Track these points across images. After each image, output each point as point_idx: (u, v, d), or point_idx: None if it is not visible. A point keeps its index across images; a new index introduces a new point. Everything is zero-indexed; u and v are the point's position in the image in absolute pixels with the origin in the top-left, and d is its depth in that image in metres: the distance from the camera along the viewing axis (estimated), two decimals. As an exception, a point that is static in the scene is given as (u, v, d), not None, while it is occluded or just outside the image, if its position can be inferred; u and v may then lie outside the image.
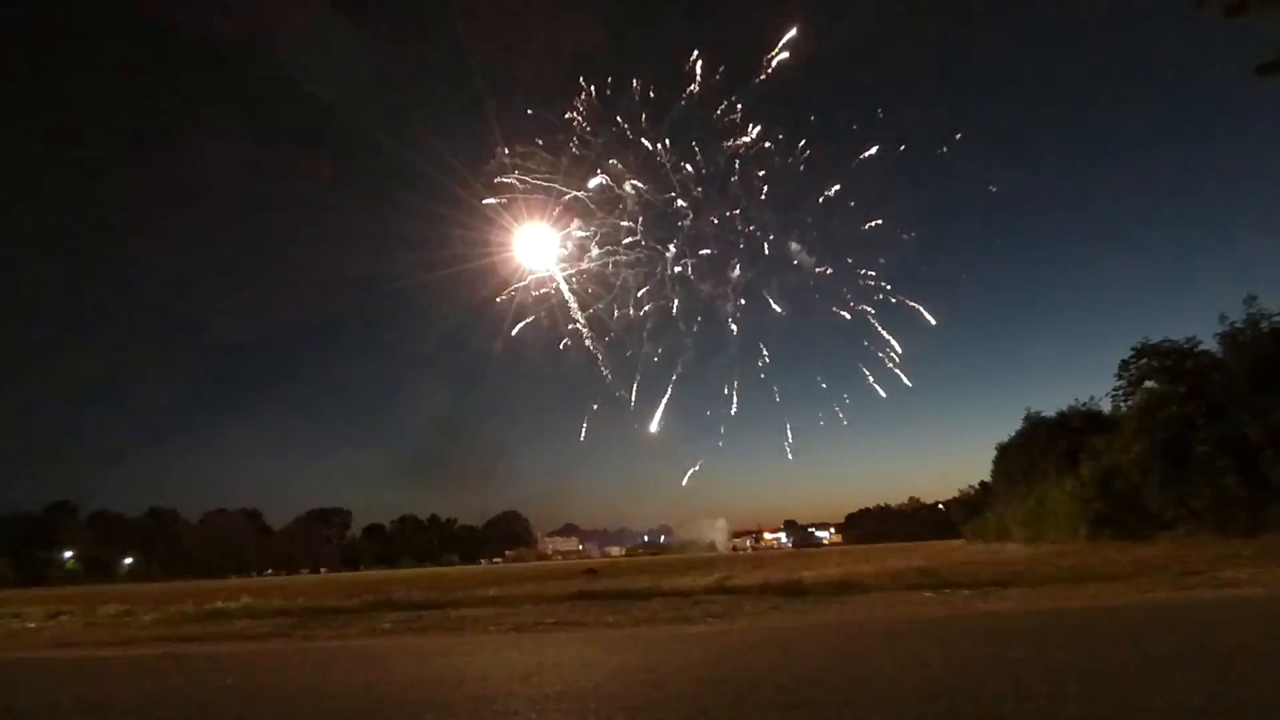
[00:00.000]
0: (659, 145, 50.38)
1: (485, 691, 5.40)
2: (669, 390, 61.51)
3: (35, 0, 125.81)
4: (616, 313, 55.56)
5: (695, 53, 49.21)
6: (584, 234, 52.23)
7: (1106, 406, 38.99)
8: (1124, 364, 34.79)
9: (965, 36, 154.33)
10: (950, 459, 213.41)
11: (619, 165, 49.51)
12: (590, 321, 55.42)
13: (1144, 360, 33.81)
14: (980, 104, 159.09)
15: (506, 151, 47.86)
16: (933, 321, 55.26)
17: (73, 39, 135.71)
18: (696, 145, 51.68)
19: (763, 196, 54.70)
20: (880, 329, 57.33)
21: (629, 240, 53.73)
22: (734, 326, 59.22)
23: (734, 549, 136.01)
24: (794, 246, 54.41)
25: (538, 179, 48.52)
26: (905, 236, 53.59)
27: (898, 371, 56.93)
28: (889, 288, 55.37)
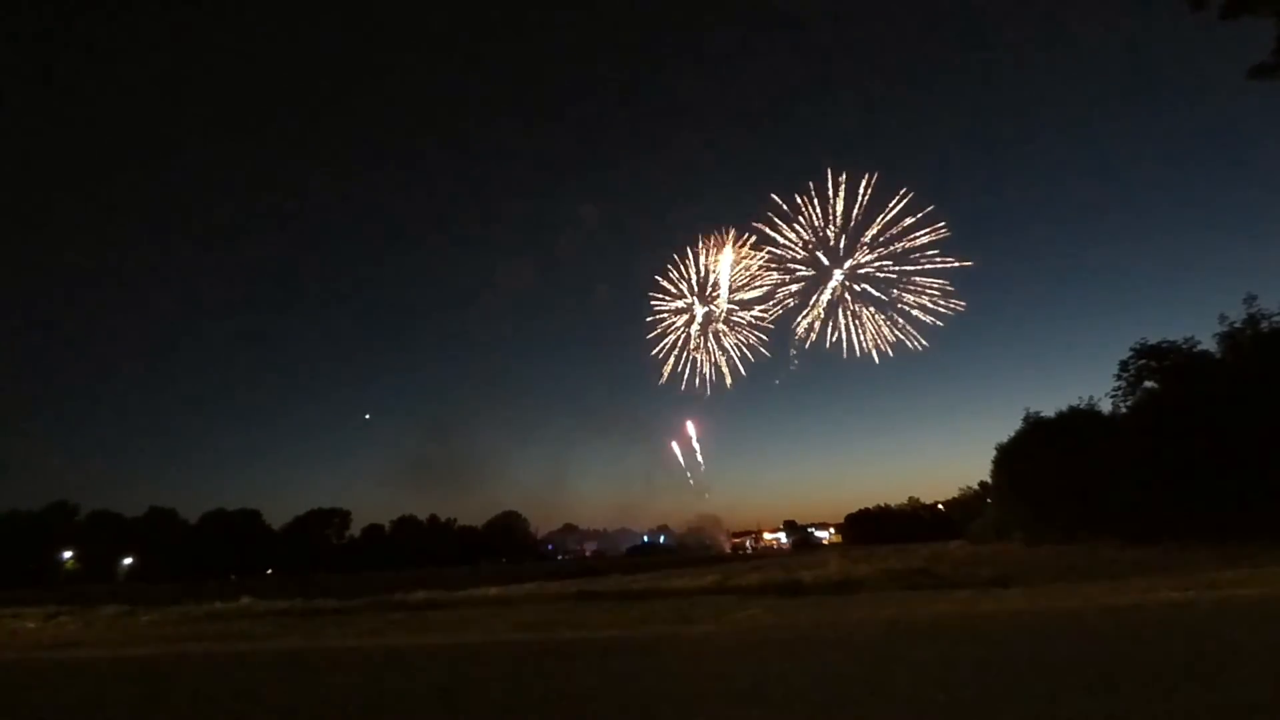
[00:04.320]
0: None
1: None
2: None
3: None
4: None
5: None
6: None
7: (1106, 407, 38.98)
8: (1123, 364, 34.78)
9: (975, 43, 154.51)
10: (950, 459, 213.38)
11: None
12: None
13: (1143, 361, 33.80)
14: (979, 105, 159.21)
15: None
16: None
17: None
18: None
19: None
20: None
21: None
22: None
23: (734, 549, 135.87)
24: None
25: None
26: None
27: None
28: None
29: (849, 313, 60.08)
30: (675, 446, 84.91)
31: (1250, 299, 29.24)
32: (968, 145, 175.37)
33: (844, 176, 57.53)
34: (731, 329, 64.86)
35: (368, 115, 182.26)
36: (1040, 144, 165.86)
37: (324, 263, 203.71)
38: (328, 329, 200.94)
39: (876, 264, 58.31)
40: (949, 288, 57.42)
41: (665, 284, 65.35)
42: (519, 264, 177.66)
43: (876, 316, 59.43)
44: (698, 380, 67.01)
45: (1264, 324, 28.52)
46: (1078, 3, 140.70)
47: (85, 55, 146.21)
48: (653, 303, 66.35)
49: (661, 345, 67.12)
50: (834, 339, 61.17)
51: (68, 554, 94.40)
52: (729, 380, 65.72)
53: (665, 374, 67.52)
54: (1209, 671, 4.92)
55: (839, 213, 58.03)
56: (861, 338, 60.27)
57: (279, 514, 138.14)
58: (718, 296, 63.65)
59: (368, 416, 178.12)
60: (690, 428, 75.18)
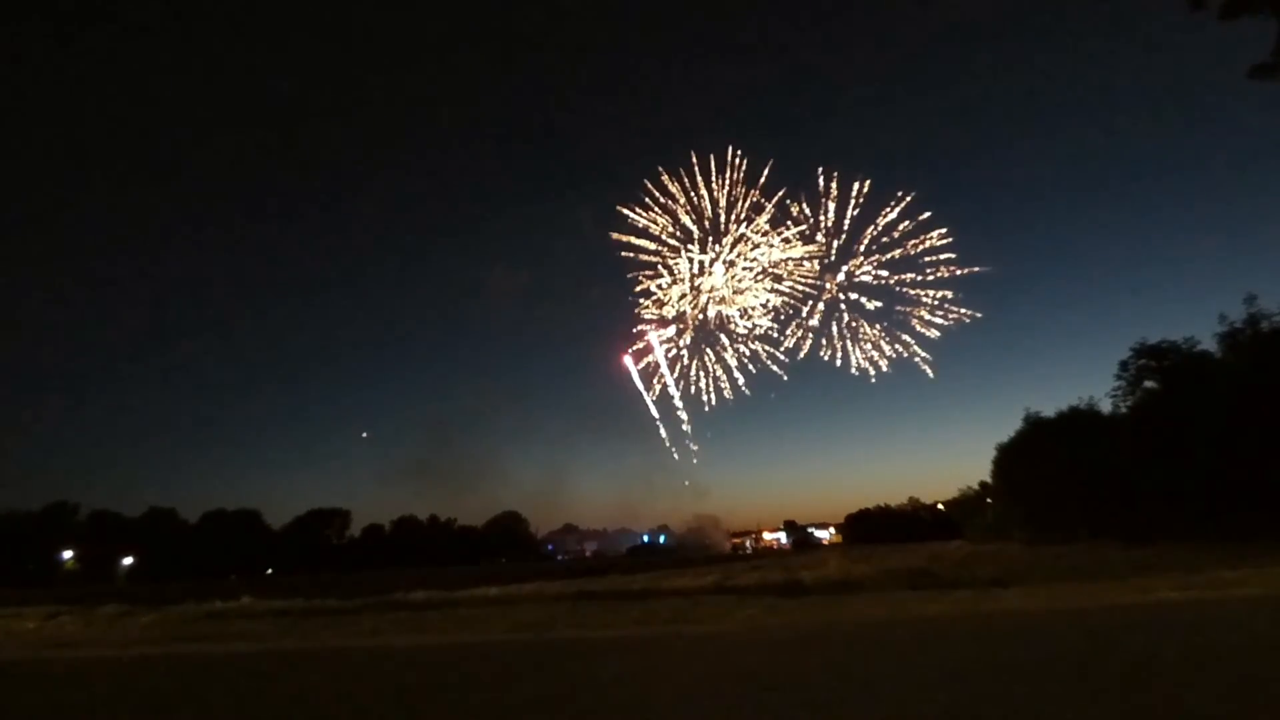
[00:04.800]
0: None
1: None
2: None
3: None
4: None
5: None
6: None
7: (1106, 407, 38.99)
8: (1123, 364, 34.78)
9: (972, 43, 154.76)
10: (950, 459, 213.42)
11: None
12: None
13: (1143, 361, 33.79)
14: (977, 107, 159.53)
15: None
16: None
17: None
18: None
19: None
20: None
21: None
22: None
23: (733, 549, 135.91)
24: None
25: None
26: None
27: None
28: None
29: (844, 326, 57.75)
30: (630, 365, 68.45)
31: (1250, 299, 29.30)
32: (965, 146, 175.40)
33: (835, 179, 55.40)
34: (731, 340, 61.60)
35: (366, 118, 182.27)
36: (1039, 144, 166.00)
37: (323, 263, 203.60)
38: (327, 329, 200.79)
39: (873, 274, 56.27)
40: (951, 296, 55.06)
41: (654, 289, 60.37)
42: (517, 264, 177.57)
43: (874, 329, 57.19)
44: (693, 390, 63.19)
45: (1264, 324, 28.54)
46: (1076, 3, 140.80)
47: (83, 55, 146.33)
48: (641, 313, 60.69)
49: (651, 360, 62.33)
50: (828, 355, 58.10)
51: (68, 554, 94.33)
52: (729, 394, 61.92)
53: (656, 391, 63.13)
54: (1210, 670, 4.92)
55: (831, 219, 56.04)
56: (857, 353, 57.40)
57: (279, 514, 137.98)
58: (708, 310, 60.14)
59: (365, 434, 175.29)
60: (652, 337, 60.64)
